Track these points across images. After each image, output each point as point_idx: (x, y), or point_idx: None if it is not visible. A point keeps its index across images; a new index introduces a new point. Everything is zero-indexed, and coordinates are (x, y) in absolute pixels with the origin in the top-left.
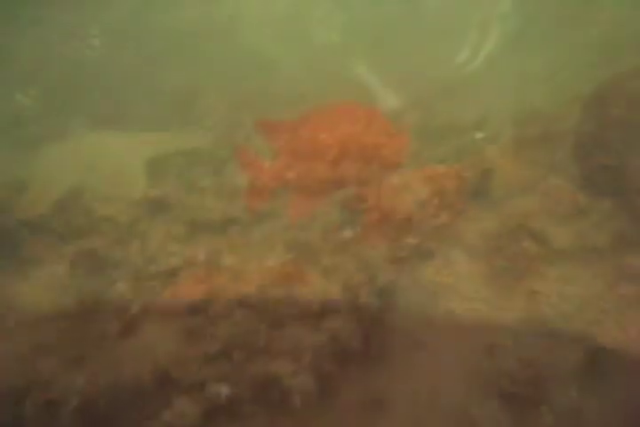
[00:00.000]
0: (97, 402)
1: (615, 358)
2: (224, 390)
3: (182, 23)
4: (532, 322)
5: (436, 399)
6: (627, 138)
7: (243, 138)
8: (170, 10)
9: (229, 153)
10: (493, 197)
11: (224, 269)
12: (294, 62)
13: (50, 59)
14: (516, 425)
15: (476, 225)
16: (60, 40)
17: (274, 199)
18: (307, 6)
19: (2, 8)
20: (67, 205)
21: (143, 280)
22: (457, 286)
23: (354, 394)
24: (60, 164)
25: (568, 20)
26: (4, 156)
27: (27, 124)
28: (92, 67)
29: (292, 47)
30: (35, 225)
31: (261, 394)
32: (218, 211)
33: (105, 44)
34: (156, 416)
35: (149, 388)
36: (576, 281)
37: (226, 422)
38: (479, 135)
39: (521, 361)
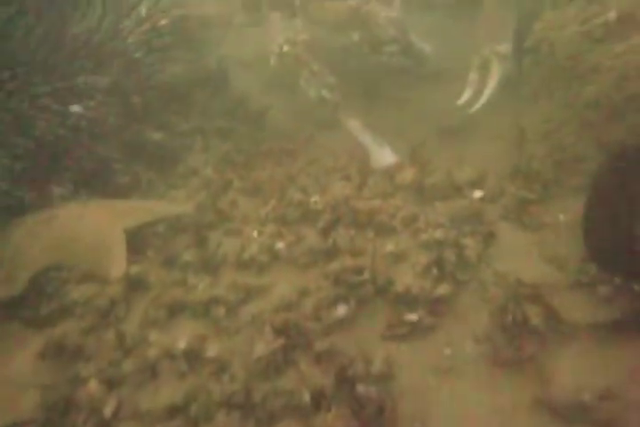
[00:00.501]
0: None
1: None
2: None
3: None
4: (545, 414)
5: None
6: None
7: (229, 202)
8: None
9: (214, 219)
10: (496, 265)
11: (207, 362)
12: (284, 113)
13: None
14: None
15: (479, 297)
16: None
17: (262, 273)
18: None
19: None
20: (38, 286)
21: (118, 378)
22: (460, 370)
23: None
24: (34, 238)
25: (566, 73)
26: None
27: None
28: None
29: (282, 97)
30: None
31: None
32: (201, 290)
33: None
34: None
35: None
36: (593, 367)
37: None
38: (478, 194)
39: None
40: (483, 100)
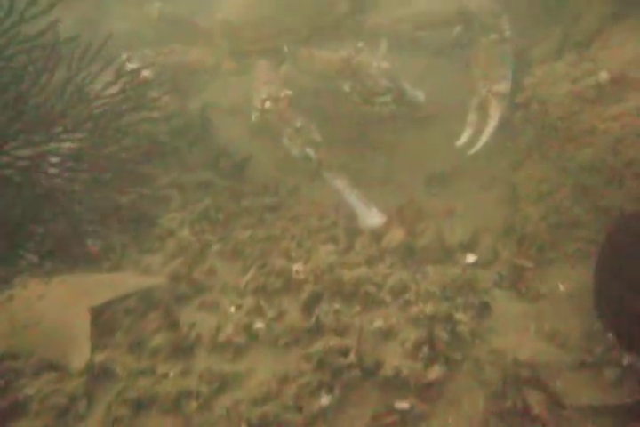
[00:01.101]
0: None
1: None
2: None
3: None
4: None
5: None
6: None
7: (205, 270)
8: None
9: (189, 291)
10: (492, 341)
11: None
12: (268, 163)
13: None
14: None
15: (474, 379)
16: None
17: (239, 357)
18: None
19: None
20: None
21: None
22: None
23: None
24: None
25: (559, 133)
26: None
27: None
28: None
29: (266, 145)
30: None
31: None
32: (171, 380)
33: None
34: None
35: None
36: None
37: None
38: (471, 259)
39: None
40: (482, 141)
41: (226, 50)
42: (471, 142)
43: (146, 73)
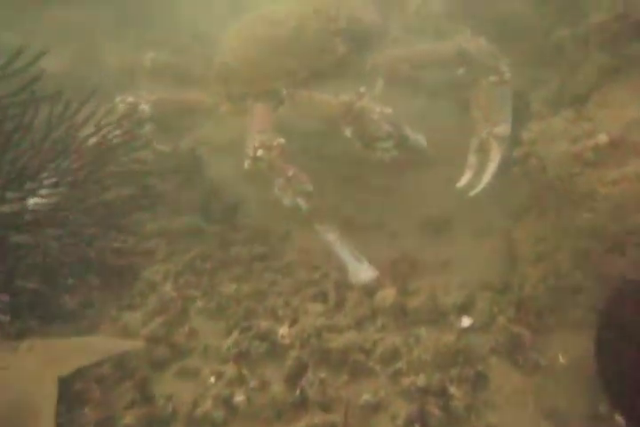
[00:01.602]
0: None
1: None
2: None
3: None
4: None
5: None
6: None
7: (186, 332)
8: None
9: (168, 355)
10: (488, 417)
11: None
12: (259, 206)
13: None
14: None
15: None
16: None
17: None
18: None
19: None
20: None
21: None
22: None
23: None
24: None
25: (557, 193)
26: None
27: None
28: None
29: (259, 187)
30: None
31: None
32: None
33: None
34: None
35: None
36: None
37: None
38: (466, 322)
39: None
40: (482, 183)
41: (223, 92)
42: (471, 185)
43: (144, 107)
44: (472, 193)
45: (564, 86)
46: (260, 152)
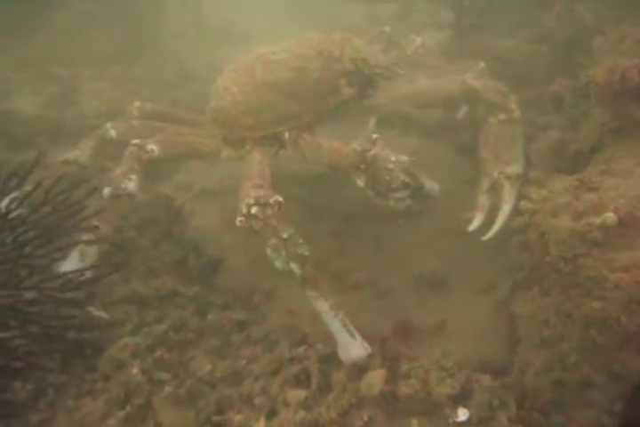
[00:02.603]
0: None
1: None
2: None
3: None
4: None
5: None
6: None
7: None
8: None
9: None
10: None
11: None
12: (244, 258)
13: None
14: None
15: None
16: None
17: None
18: None
19: None
20: None
21: None
22: None
23: None
24: None
25: (561, 274)
26: None
27: None
28: None
29: (242, 241)
30: None
31: None
32: None
33: None
34: None
35: None
36: None
37: None
38: (462, 415)
39: None
40: (497, 226)
41: (220, 138)
42: (483, 224)
43: (152, 146)
44: (485, 237)
45: (563, 140)
46: (254, 209)
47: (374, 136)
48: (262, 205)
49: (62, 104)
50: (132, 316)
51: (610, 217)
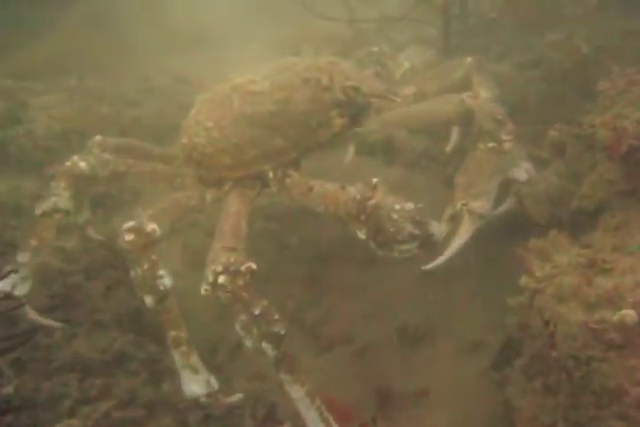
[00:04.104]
0: None
1: None
2: None
3: None
4: None
5: None
6: None
7: None
8: None
9: None
10: None
11: None
12: (204, 313)
13: None
14: None
15: None
16: None
17: None
18: None
19: None
20: None
21: None
22: None
23: None
24: None
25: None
26: None
27: None
28: None
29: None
30: None
31: None
32: None
33: None
34: None
35: None
36: None
37: None
38: None
39: None
40: (441, 259)
41: (195, 178)
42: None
43: (152, 226)
44: (426, 267)
45: (564, 189)
46: (222, 279)
47: (374, 180)
48: (232, 273)
49: (7, 122)
50: (71, 389)
51: (629, 315)
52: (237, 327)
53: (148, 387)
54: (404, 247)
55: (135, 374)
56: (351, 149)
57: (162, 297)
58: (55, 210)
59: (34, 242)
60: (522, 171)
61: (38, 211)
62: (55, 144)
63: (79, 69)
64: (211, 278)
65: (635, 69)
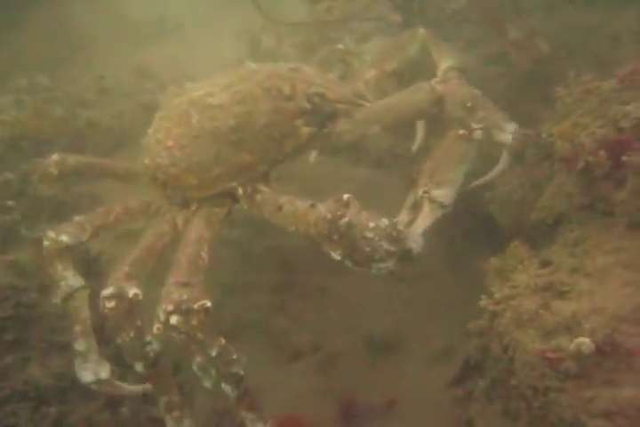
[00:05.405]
0: None
1: None
2: None
3: None
4: None
5: None
6: None
7: None
8: None
9: None
10: None
11: None
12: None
13: None
14: None
15: None
16: None
17: None
18: None
19: None
20: None
21: None
22: None
23: None
24: None
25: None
26: None
27: None
28: None
29: None
30: None
31: None
32: None
33: None
34: None
35: None
36: None
37: None
38: None
39: None
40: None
41: (164, 199)
42: None
43: (135, 291)
44: None
45: (524, 199)
46: (174, 319)
47: (345, 197)
48: (184, 312)
49: None
50: (22, 420)
51: (585, 344)
52: (194, 368)
53: (106, 412)
54: (382, 265)
55: (93, 398)
56: (313, 154)
57: (152, 363)
58: (73, 291)
59: (78, 328)
60: (507, 134)
61: (58, 300)
62: (4, 151)
63: (30, 68)
64: (162, 318)
65: (590, 77)
